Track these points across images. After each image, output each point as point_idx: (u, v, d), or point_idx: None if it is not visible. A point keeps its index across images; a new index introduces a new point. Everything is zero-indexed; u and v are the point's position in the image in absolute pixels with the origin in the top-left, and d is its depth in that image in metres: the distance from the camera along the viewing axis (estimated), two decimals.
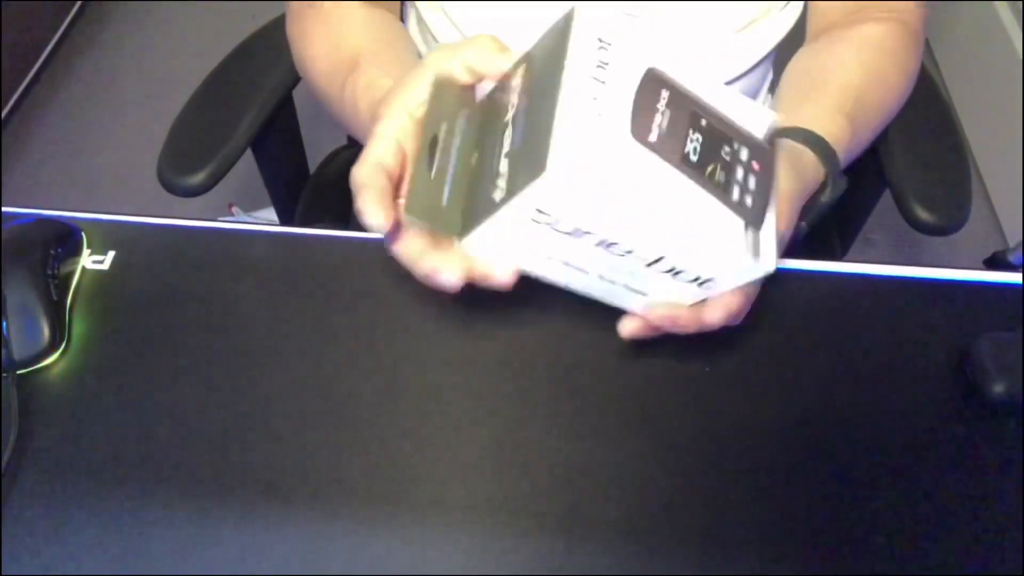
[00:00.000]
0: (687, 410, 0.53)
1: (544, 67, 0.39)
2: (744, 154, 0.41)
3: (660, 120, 0.38)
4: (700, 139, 0.39)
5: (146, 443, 0.52)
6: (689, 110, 0.40)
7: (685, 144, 0.39)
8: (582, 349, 0.55)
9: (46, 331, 0.55)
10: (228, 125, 0.80)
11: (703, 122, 0.40)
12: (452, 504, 0.50)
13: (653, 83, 0.39)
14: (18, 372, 0.54)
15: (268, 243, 0.62)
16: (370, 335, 0.57)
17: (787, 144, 0.51)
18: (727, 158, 0.40)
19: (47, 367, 0.55)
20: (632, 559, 0.48)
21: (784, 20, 0.71)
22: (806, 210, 0.52)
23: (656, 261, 0.40)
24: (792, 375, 0.55)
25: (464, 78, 0.45)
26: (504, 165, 0.39)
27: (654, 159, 0.38)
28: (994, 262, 1.23)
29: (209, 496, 0.50)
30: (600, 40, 0.38)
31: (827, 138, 0.52)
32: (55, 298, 0.56)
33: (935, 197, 0.75)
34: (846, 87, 0.59)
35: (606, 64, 0.38)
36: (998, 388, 0.52)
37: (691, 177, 0.38)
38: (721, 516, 0.49)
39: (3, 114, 1.73)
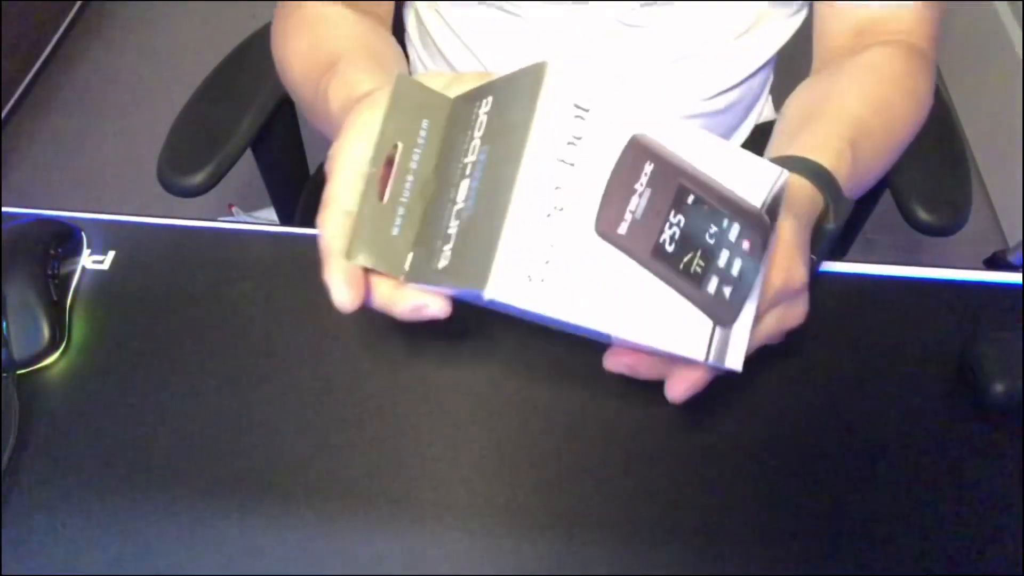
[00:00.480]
0: (687, 410, 0.53)
1: (509, 125, 0.34)
2: (734, 233, 0.36)
3: (637, 203, 0.34)
4: (683, 221, 0.35)
5: (146, 443, 0.52)
6: (675, 185, 0.35)
7: (662, 231, 0.34)
8: (582, 350, 0.54)
9: (46, 331, 0.55)
10: (228, 125, 0.80)
11: (690, 199, 0.35)
12: (452, 504, 0.50)
13: (636, 155, 0.34)
14: (18, 372, 0.54)
15: (268, 243, 0.62)
16: (370, 335, 0.57)
17: (798, 184, 0.47)
18: (711, 241, 0.36)
19: (47, 367, 0.55)
20: (632, 559, 0.48)
21: (785, 28, 0.70)
22: (813, 241, 0.47)
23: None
24: (792, 375, 0.55)
25: None
26: (454, 227, 0.35)
27: (618, 257, 0.34)
28: (994, 262, 1.23)
29: (209, 496, 0.50)
30: (577, 107, 0.33)
31: (824, 164, 0.49)
32: (55, 298, 0.56)
33: (935, 197, 0.75)
34: (845, 114, 0.56)
35: (579, 139, 0.33)
36: (998, 388, 0.52)
37: (660, 273, 0.34)
38: (721, 516, 0.49)
39: (3, 114, 1.73)
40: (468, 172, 0.35)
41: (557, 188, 0.32)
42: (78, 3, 1.97)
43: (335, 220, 0.38)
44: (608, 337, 0.36)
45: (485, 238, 0.32)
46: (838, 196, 0.48)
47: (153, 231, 0.63)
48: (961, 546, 0.48)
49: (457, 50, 0.71)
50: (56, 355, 0.56)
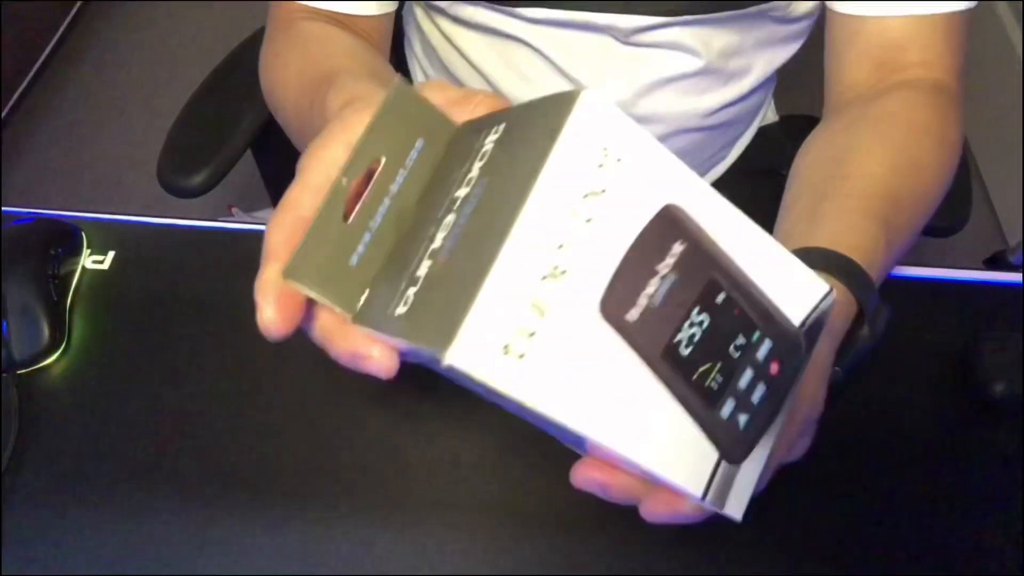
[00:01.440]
0: None
1: (519, 158, 0.27)
2: (763, 351, 0.30)
3: (656, 289, 0.27)
4: (706, 324, 0.28)
5: (146, 443, 0.52)
6: (706, 277, 0.28)
7: (679, 330, 0.28)
8: None
9: (46, 331, 0.55)
10: (228, 125, 0.80)
11: (720, 297, 0.29)
12: (452, 504, 0.50)
13: (665, 229, 0.28)
14: (18, 372, 0.54)
15: None
16: None
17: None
18: (735, 355, 0.29)
19: (47, 367, 0.55)
20: (632, 559, 0.48)
21: (786, 50, 0.69)
22: (840, 352, 0.41)
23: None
24: None
25: None
26: (424, 269, 0.28)
27: (620, 349, 0.27)
28: (994, 262, 1.23)
29: (209, 495, 0.50)
30: (605, 151, 0.27)
31: (855, 256, 0.41)
32: (55, 298, 0.56)
33: None
34: (873, 182, 0.48)
35: (601, 191, 0.27)
36: (998, 388, 0.52)
37: (668, 380, 0.28)
38: (721, 516, 0.49)
39: (3, 114, 1.73)
40: (456, 207, 0.29)
41: (561, 246, 0.26)
42: (78, 3, 1.97)
43: (286, 225, 0.31)
44: (584, 443, 0.29)
45: (459, 289, 0.26)
46: (873, 301, 0.42)
47: (153, 231, 0.63)
48: (961, 546, 0.48)
49: (463, 68, 0.71)
50: (56, 355, 0.56)
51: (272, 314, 0.30)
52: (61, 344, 0.56)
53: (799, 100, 0.90)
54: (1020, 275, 0.60)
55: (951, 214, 0.75)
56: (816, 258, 0.41)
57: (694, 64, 0.65)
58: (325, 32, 0.58)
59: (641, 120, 0.68)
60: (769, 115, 0.83)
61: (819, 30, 0.63)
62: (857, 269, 0.41)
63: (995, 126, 1.58)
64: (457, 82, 0.72)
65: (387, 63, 0.60)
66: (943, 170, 0.53)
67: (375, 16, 0.62)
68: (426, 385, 0.55)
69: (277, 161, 0.93)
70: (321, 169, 0.32)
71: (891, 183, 0.48)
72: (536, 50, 0.65)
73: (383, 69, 0.55)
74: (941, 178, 0.53)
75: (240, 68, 0.85)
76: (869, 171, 0.49)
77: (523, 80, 0.68)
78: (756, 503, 0.51)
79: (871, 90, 0.57)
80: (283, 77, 0.56)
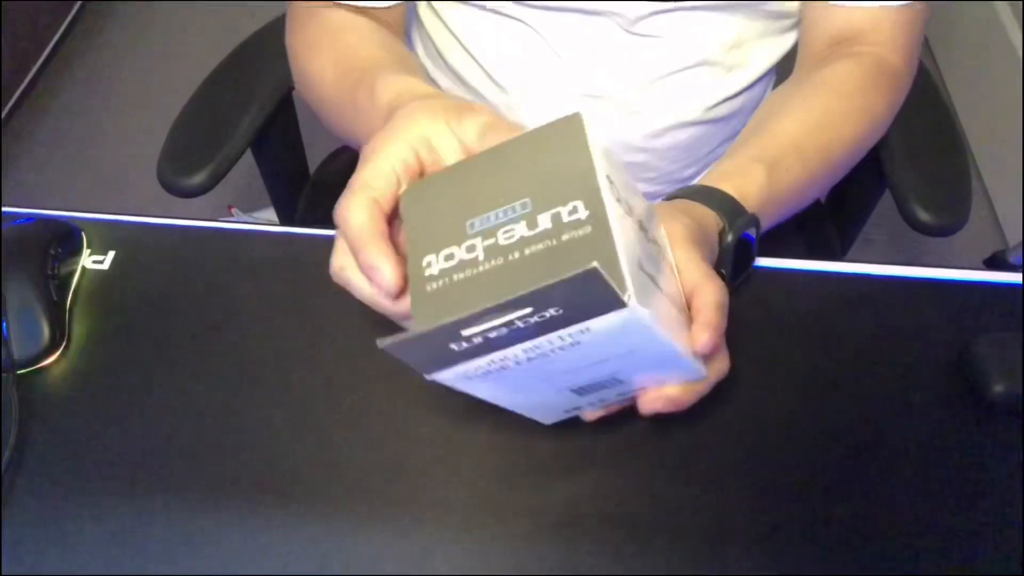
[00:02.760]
0: (687, 409, 0.53)
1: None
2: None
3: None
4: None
5: (146, 443, 0.52)
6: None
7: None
8: None
9: (46, 331, 0.55)
10: (228, 125, 0.80)
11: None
12: (453, 504, 0.50)
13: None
14: (18, 372, 0.54)
15: (268, 243, 0.62)
16: (370, 335, 0.57)
17: (688, 207, 0.52)
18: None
19: (47, 367, 0.55)
20: (632, 559, 0.48)
21: (782, 41, 0.70)
22: (722, 258, 0.53)
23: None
24: (792, 375, 0.55)
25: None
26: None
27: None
28: (994, 262, 1.23)
29: (209, 496, 0.50)
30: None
31: (730, 190, 0.54)
32: (55, 298, 0.56)
33: (935, 197, 0.75)
34: (777, 134, 0.59)
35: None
36: (998, 388, 0.52)
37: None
38: (721, 516, 0.49)
39: (3, 114, 1.73)
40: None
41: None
42: (78, 3, 1.97)
43: (365, 205, 0.38)
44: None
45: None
46: (737, 215, 0.53)
47: (153, 231, 0.63)
48: (961, 546, 0.48)
49: (459, 57, 0.71)
50: (56, 355, 0.56)
51: (393, 272, 0.38)
52: (61, 344, 0.56)
53: None
54: (1020, 275, 0.60)
55: (951, 214, 0.75)
56: (698, 193, 0.53)
57: (695, 55, 0.66)
58: (350, 22, 0.62)
59: (643, 113, 0.69)
60: None
61: None
62: (723, 195, 0.53)
63: (995, 126, 1.58)
64: (454, 72, 0.73)
65: (406, 47, 0.65)
66: (858, 135, 0.62)
67: (390, 8, 0.65)
68: (426, 386, 0.54)
69: (277, 161, 0.93)
70: (388, 160, 0.39)
71: (795, 136, 0.58)
72: (541, 36, 0.66)
73: (409, 58, 0.62)
74: (853, 141, 0.62)
75: (240, 68, 0.85)
76: (778, 128, 0.59)
77: (522, 66, 0.69)
78: (755, 503, 0.51)
79: (825, 59, 0.64)
80: (318, 67, 0.61)
